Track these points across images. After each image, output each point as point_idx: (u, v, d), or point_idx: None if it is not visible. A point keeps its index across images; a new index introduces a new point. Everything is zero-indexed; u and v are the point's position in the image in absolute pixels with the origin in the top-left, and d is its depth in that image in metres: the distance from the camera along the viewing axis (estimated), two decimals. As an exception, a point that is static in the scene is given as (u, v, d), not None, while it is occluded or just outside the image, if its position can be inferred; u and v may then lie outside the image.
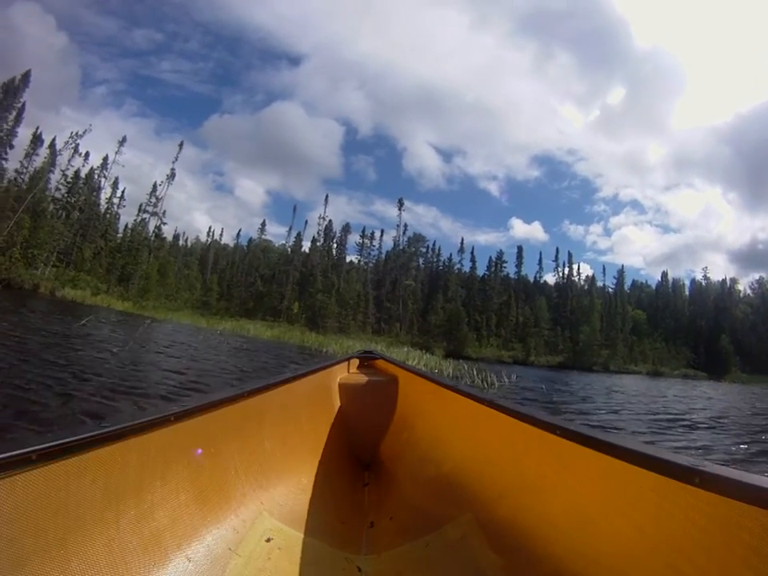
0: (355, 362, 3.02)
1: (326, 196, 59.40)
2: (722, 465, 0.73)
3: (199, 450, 1.26)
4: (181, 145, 50.93)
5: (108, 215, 46.71)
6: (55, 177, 42.03)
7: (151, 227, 48.11)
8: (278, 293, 51.83)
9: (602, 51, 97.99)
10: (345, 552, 1.37)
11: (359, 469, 2.23)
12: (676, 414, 9.42)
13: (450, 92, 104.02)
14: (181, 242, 58.52)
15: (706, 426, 7.91)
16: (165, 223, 49.65)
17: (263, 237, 59.61)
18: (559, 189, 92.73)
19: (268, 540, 1.29)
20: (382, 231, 60.80)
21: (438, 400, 1.96)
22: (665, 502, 0.77)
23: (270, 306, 50.31)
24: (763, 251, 76.00)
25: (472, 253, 60.35)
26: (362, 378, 2.59)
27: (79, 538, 0.85)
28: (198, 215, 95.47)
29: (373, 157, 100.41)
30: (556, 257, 61.28)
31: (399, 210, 58.85)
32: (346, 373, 2.74)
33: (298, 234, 57.29)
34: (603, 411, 8.99)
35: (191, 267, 53.88)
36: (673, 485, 0.74)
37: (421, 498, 1.65)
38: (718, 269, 70.33)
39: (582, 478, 0.99)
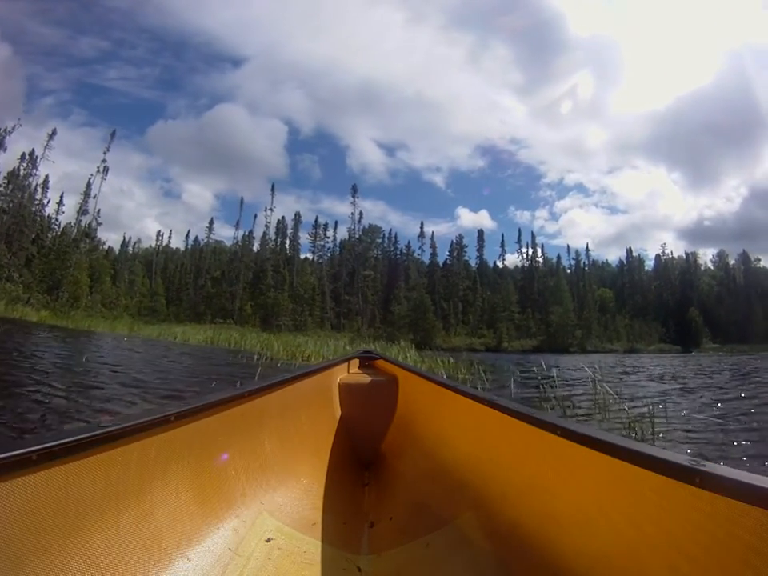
0: (355, 362, 3.03)
1: (272, 186, 56.88)
2: (722, 465, 0.73)
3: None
4: (113, 134, 47.64)
5: (38, 218, 42.54)
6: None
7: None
8: (229, 293, 48.73)
9: (538, 42, 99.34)
10: (345, 552, 1.36)
11: (359, 469, 2.20)
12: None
13: (390, 87, 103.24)
14: (130, 249, 55.06)
15: None
16: (100, 223, 45.92)
17: (212, 237, 56.70)
18: (504, 177, 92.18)
19: (268, 540, 1.29)
20: (336, 223, 58.59)
21: (438, 400, 1.92)
22: (665, 502, 0.77)
23: (221, 308, 47.22)
24: (710, 228, 78.49)
25: (432, 239, 58.94)
26: (362, 378, 2.58)
27: (79, 538, 0.86)
28: (149, 222, 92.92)
29: (317, 155, 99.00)
30: (519, 239, 60.65)
31: (353, 197, 56.76)
32: (346, 373, 2.73)
33: (250, 233, 54.91)
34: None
35: (136, 272, 50.07)
36: (673, 485, 0.74)
37: (421, 498, 1.63)
38: (668, 246, 72.69)
39: (582, 477, 0.99)
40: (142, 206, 79.93)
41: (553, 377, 7.97)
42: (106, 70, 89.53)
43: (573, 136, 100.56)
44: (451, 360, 9.94)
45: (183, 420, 1.14)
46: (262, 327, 39.42)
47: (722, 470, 0.69)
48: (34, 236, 40.85)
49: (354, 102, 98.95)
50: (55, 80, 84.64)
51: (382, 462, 2.21)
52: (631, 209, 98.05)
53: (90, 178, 45.03)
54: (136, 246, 55.81)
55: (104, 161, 45.66)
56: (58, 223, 44.58)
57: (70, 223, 44.52)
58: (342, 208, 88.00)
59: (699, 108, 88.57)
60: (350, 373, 2.77)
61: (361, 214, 56.95)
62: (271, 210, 54.63)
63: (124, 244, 53.94)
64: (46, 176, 43.33)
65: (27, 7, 64.35)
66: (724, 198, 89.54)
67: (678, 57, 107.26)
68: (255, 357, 10.70)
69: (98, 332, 24.00)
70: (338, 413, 2.36)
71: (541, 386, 6.55)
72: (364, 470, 2.20)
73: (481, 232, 61.17)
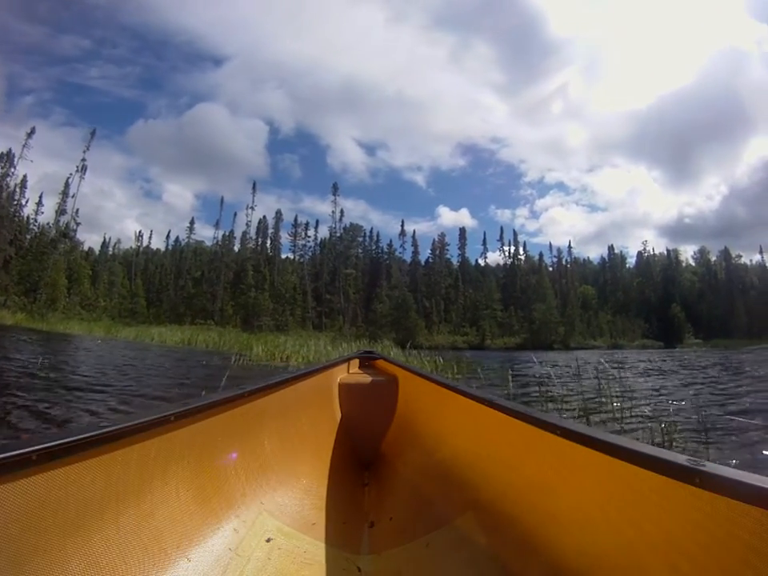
0: (355, 362, 3.03)
1: (254, 183, 56.38)
2: (722, 465, 0.74)
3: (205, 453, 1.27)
4: (93, 133, 47.17)
5: (17, 219, 42.03)
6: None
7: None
8: (209, 293, 48.51)
9: (520, 42, 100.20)
10: (345, 552, 1.37)
11: (359, 469, 2.21)
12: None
13: (371, 87, 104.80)
14: (110, 250, 54.56)
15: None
16: (78, 223, 45.46)
17: (193, 237, 56.10)
18: (484, 176, 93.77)
19: (268, 540, 1.29)
20: (317, 222, 58.30)
21: (438, 400, 1.92)
22: (665, 502, 0.77)
23: (201, 309, 47.00)
24: (690, 225, 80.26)
25: (413, 237, 58.95)
26: (362, 378, 2.59)
27: (79, 538, 0.86)
28: (129, 223, 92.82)
29: (297, 155, 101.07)
30: (500, 236, 60.93)
31: (334, 195, 56.39)
32: (346, 373, 2.73)
33: (231, 233, 54.50)
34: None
35: (116, 274, 49.65)
36: (673, 485, 0.74)
37: (421, 498, 1.64)
38: (649, 244, 72.81)
39: (582, 477, 0.99)
40: (122, 207, 79.90)
41: (549, 374, 7.80)
42: (87, 68, 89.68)
43: (553, 135, 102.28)
44: (440, 359, 9.64)
45: (183, 420, 1.14)
46: (242, 328, 39.30)
47: (721, 470, 0.69)
48: (11, 237, 40.41)
49: (334, 102, 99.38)
50: (36, 79, 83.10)
51: (381, 461, 2.22)
52: (611, 207, 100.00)
53: (68, 178, 44.67)
54: (116, 246, 55.48)
55: (83, 160, 45.25)
56: (36, 224, 44.16)
57: (48, 223, 44.06)
58: (322, 207, 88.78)
59: (680, 107, 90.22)
60: (350, 373, 2.77)
61: (342, 212, 56.83)
62: (252, 208, 54.39)
63: (104, 245, 53.65)
64: (24, 176, 42.88)
65: (6, 4, 63.50)
66: (704, 196, 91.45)
67: (659, 57, 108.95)
68: (232, 358, 10.41)
69: (73, 334, 23.77)
70: (338, 413, 2.36)
71: (540, 384, 6.43)
72: (364, 469, 2.20)
73: (463, 230, 61.51)
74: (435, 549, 1.31)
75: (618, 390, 5.37)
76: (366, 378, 2.58)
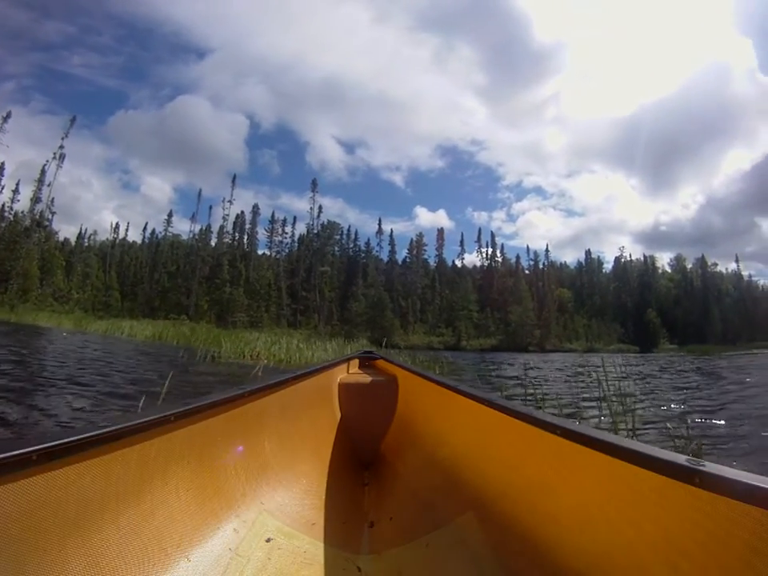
0: (355, 362, 3.04)
1: (234, 177, 56.06)
2: (722, 465, 0.73)
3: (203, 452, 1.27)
4: (72, 120, 46.73)
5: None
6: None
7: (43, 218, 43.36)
8: (184, 288, 48.44)
9: (503, 46, 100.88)
10: (345, 552, 1.37)
11: (359, 469, 2.21)
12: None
13: (353, 85, 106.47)
14: (85, 242, 53.84)
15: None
16: (54, 212, 45.07)
17: (170, 230, 55.58)
18: (463, 178, 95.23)
19: (268, 540, 1.29)
20: (295, 218, 58.37)
21: (438, 400, 1.92)
22: (665, 502, 0.77)
23: (176, 303, 46.92)
24: (666, 232, 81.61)
25: (391, 236, 59.39)
26: (362, 378, 2.59)
27: (79, 538, 0.85)
28: (106, 214, 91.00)
29: (277, 151, 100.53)
30: (478, 238, 61.42)
31: (313, 191, 56.36)
32: (346, 373, 2.74)
33: (208, 227, 54.27)
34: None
35: (91, 265, 49.30)
36: (673, 485, 0.74)
37: (421, 498, 1.64)
38: (625, 250, 72.99)
39: (582, 477, 0.99)
40: (100, 198, 79.61)
41: (536, 376, 7.70)
42: (70, 56, 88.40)
43: (533, 139, 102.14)
44: (419, 358, 9.40)
45: (183, 420, 1.14)
46: (217, 323, 39.29)
47: (721, 469, 0.69)
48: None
49: (316, 98, 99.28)
50: (17, 64, 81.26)
51: (382, 461, 2.22)
52: (588, 212, 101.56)
53: (44, 165, 44.13)
54: (91, 238, 54.64)
55: (61, 147, 44.66)
56: (12, 212, 43.67)
57: (22, 212, 43.51)
58: (300, 204, 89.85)
59: (661, 117, 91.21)
60: (349, 373, 2.78)
61: (320, 208, 56.77)
62: (230, 202, 54.00)
63: (80, 236, 53.00)
64: (2, 163, 42.33)
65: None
66: (681, 205, 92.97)
67: (642, 67, 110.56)
68: (197, 355, 10.17)
69: (41, 326, 23.45)
70: (338, 413, 2.37)
71: (529, 386, 6.35)
72: (364, 469, 2.21)
73: (441, 231, 61.95)
74: (435, 549, 1.31)
75: (611, 392, 4.88)
76: (366, 378, 2.60)
